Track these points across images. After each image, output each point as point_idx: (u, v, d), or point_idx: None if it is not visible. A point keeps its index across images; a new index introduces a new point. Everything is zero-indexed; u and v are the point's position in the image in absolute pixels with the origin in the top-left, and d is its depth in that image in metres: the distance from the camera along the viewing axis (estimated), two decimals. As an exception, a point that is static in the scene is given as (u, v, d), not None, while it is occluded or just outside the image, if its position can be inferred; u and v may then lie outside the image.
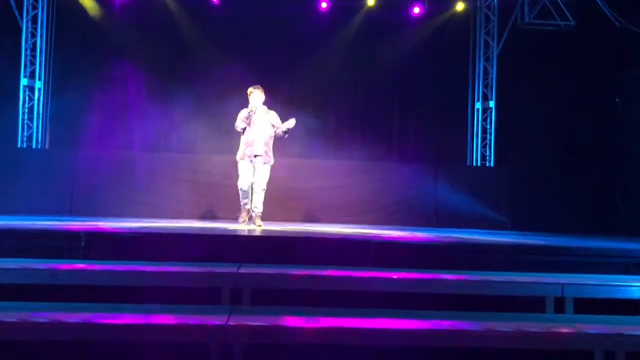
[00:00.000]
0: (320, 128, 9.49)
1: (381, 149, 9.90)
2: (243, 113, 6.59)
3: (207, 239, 4.85)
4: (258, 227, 6.40)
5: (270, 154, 6.63)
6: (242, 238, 4.98)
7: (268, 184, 6.60)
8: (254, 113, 6.52)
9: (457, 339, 3.23)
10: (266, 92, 6.72)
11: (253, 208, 6.61)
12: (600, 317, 3.71)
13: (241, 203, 6.68)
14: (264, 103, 6.67)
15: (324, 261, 4.30)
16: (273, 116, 6.68)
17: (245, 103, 6.72)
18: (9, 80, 9.27)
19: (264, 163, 6.56)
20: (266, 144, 6.57)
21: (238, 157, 6.64)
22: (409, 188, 9.30)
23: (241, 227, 6.41)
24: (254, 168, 6.56)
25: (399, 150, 10.39)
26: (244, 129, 6.56)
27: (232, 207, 6.98)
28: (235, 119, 6.64)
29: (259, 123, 6.56)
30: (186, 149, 9.28)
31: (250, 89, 6.68)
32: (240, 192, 6.65)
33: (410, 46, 10.16)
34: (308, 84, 9.53)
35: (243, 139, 6.63)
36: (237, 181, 6.65)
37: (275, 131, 6.63)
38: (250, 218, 6.67)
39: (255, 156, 6.53)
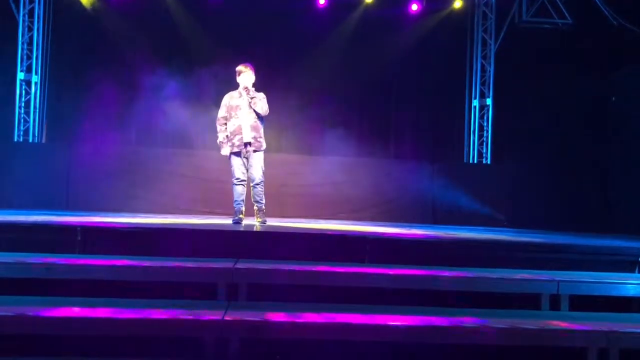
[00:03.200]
0: (317, 124, 9.49)
1: (378, 145, 9.91)
2: (225, 102, 6.12)
3: (203, 234, 4.84)
4: (260, 223, 6.10)
5: (261, 139, 6.13)
6: (238, 233, 4.98)
7: (264, 175, 6.23)
8: (240, 97, 6.07)
9: (453, 335, 3.25)
10: (263, 89, 6.35)
11: (254, 203, 6.20)
12: (595, 314, 3.74)
13: (235, 202, 6.20)
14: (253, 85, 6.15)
15: (320, 257, 4.30)
16: (257, 96, 6.09)
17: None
18: (6, 74, 9.23)
19: (255, 151, 6.09)
20: (254, 128, 6.07)
21: (225, 151, 6.16)
22: (406, 185, 9.29)
23: (238, 224, 6.19)
24: (247, 159, 6.13)
25: (396, 147, 10.39)
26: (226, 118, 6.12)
27: (229, 202, 6.91)
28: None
29: (244, 107, 6.07)
30: (184, 144, 9.26)
31: (240, 67, 6.13)
32: (234, 189, 6.20)
33: (408, 43, 10.15)
34: (305, 81, 9.51)
35: (229, 127, 6.11)
36: (231, 178, 6.22)
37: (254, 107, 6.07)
38: (239, 218, 6.23)
39: (246, 145, 6.06)
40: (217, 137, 6.23)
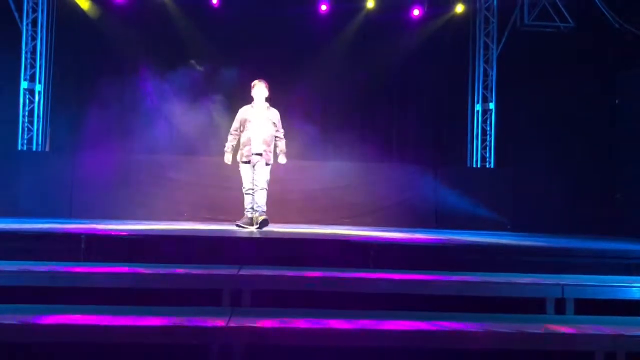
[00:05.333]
0: (320, 130, 9.51)
1: (381, 150, 9.91)
2: (238, 115, 6.54)
3: (207, 240, 4.85)
4: (257, 229, 6.26)
5: (270, 154, 6.47)
6: (242, 240, 4.98)
7: (268, 184, 6.49)
8: (252, 108, 6.48)
9: (458, 340, 3.23)
10: (265, 94, 6.61)
11: (255, 207, 6.41)
12: (601, 318, 3.71)
13: (245, 209, 6.50)
14: (267, 99, 6.57)
15: (324, 263, 4.30)
16: (274, 114, 6.52)
17: (246, 100, 6.69)
18: (9, 83, 9.27)
19: (262, 162, 6.39)
20: (265, 142, 6.40)
21: (237, 158, 6.52)
22: (409, 189, 9.29)
23: (242, 229, 6.32)
24: (254, 169, 6.40)
25: (399, 152, 10.39)
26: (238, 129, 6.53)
27: (232, 208, 6.97)
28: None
29: (258, 120, 6.41)
30: (187, 151, 9.28)
31: (254, 82, 6.56)
32: (245, 197, 6.52)
33: (410, 48, 10.16)
34: (307, 86, 9.52)
35: (241, 138, 6.50)
36: (240, 185, 6.56)
37: (275, 135, 6.51)
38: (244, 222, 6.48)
39: (254, 154, 6.37)
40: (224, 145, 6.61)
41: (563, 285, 3.90)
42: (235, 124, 6.54)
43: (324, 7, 9.98)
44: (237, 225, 6.43)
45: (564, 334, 3.26)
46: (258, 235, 5.30)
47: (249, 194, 6.48)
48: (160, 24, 9.67)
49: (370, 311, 3.57)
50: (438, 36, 10.24)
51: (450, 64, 10.31)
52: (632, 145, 9.60)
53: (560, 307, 3.88)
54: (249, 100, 6.65)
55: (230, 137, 6.56)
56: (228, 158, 6.55)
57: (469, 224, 8.76)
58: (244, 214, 6.53)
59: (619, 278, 4.29)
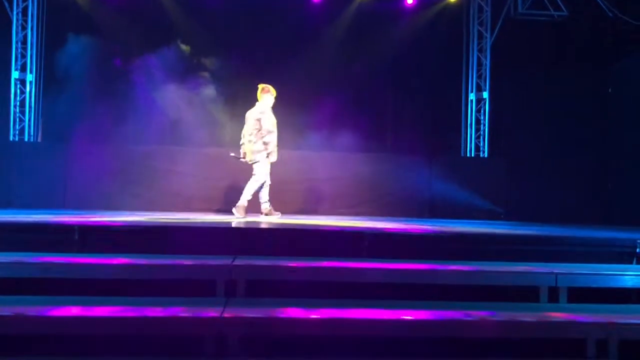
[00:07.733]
0: (314, 120, 9.48)
1: (375, 140, 9.90)
2: (272, 116, 6.93)
3: (201, 231, 4.85)
4: (265, 217, 6.86)
5: None
6: (236, 230, 4.98)
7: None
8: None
9: (451, 329, 3.25)
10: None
11: (266, 201, 7.05)
12: (594, 306, 3.75)
13: (264, 199, 7.01)
14: None
15: (318, 253, 4.30)
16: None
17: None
18: (0, 74, 9.19)
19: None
20: None
21: (267, 157, 6.86)
22: (403, 179, 9.30)
23: (238, 219, 6.37)
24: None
25: (393, 142, 10.38)
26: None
27: (227, 199, 6.98)
28: (264, 121, 6.88)
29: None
30: (181, 142, 9.24)
31: (274, 91, 6.94)
32: (264, 187, 6.97)
33: (404, 37, 10.11)
34: (301, 76, 9.47)
35: (271, 138, 6.84)
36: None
37: None
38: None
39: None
40: (265, 144, 6.85)
41: (556, 273, 3.93)
42: (273, 122, 6.91)
43: (317, -4, 9.93)
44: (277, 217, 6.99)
45: (557, 322, 3.29)
46: (252, 226, 5.30)
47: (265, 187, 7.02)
48: (152, 13, 9.58)
49: (364, 301, 3.59)
50: (432, 25, 10.19)
51: (444, 53, 10.27)
52: (625, 135, 9.64)
53: (553, 295, 3.91)
54: (243, 90, 6.72)
55: (273, 136, 6.87)
56: (274, 157, 6.94)
57: (463, 213, 8.80)
58: (266, 207, 7.01)
59: (611, 266, 4.32)
